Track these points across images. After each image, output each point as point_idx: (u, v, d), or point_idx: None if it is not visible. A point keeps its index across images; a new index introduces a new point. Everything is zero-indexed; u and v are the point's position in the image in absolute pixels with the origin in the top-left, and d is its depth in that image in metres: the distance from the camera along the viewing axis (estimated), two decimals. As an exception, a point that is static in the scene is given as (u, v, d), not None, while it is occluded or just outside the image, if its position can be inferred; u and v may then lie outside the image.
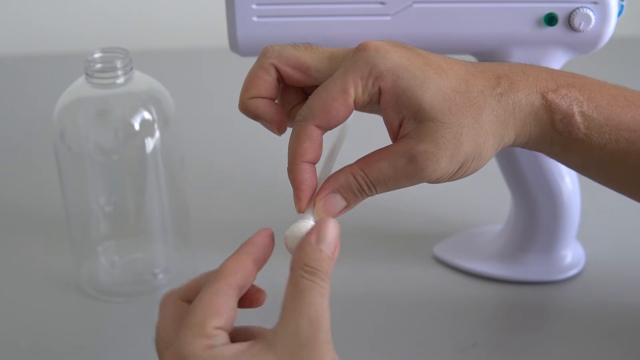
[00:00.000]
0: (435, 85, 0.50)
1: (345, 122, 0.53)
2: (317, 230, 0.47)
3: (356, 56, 0.51)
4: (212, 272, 0.48)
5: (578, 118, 0.52)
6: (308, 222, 0.49)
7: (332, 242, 0.47)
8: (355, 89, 0.49)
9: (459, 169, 0.51)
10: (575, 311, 0.69)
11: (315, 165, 0.52)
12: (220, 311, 0.45)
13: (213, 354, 0.43)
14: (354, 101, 0.50)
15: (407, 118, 0.50)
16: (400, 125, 0.50)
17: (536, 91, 0.52)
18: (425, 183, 0.52)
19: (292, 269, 0.46)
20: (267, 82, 0.53)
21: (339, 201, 0.50)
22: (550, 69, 0.54)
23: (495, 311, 0.71)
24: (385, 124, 0.51)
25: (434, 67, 0.51)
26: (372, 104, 0.51)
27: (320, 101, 0.50)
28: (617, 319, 0.68)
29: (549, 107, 0.52)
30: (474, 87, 0.51)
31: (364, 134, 0.69)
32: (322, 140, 0.51)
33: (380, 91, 0.50)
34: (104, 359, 0.66)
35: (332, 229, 0.47)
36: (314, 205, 0.50)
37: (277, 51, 0.52)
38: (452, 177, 0.51)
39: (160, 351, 0.46)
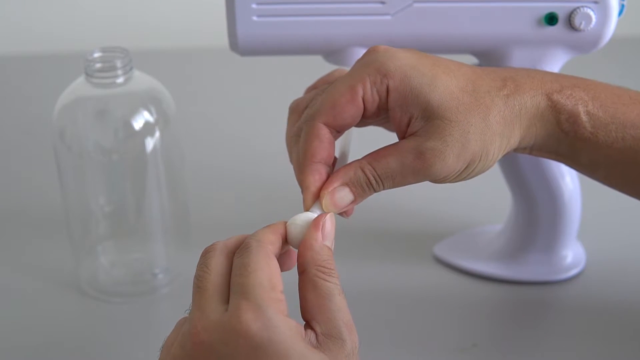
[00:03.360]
0: (443, 84, 0.50)
1: (350, 131, 0.53)
2: (323, 226, 0.48)
3: (366, 57, 0.51)
4: (255, 236, 0.48)
5: (583, 117, 0.52)
6: (309, 213, 0.49)
7: (332, 236, 0.48)
8: (363, 87, 0.50)
9: (465, 168, 0.51)
10: (575, 311, 0.69)
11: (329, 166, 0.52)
12: (277, 275, 0.45)
13: (289, 322, 0.43)
14: (363, 99, 0.50)
15: (415, 116, 0.50)
16: (408, 124, 0.50)
17: (541, 93, 0.52)
18: (428, 183, 0.52)
19: (306, 269, 0.46)
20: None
21: (347, 194, 0.50)
22: (554, 72, 0.55)
23: (495, 311, 0.71)
24: (393, 124, 0.51)
25: (442, 68, 0.51)
26: (381, 106, 0.51)
27: (328, 98, 0.51)
28: (617, 319, 0.68)
29: (554, 108, 0.52)
30: (481, 87, 0.51)
31: (371, 137, 0.69)
32: (332, 140, 0.51)
33: (388, 90, 0.50)
34: (104, 359, 0.66)
35: (333, 223, 0.48)
36: (321, 198, 0.50)
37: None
38: (459, 177, 0.51)
39: (208, 302, 0.45)
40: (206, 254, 0.47)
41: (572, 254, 0.73)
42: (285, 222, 0.49)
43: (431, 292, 0.72)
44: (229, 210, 0.83)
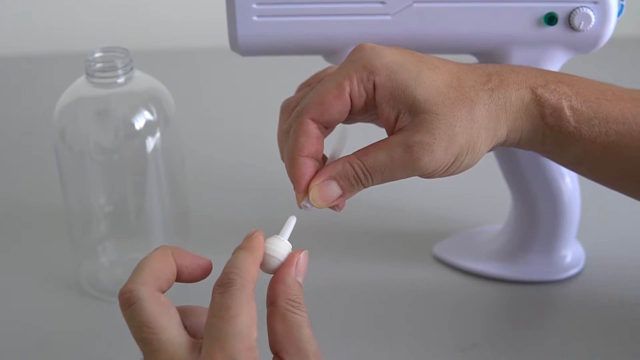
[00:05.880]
0: (428, 79, 0.51)
1: (344, 129, 0.54)
2: (297, 262, 0.48)
3: (352, 55, 0.52)
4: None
5: (567, 111, 0.53)
6: (286, 243, 0.49)
7: (304, 272, 0.48)
8: (350, 83, 0.51)
9: (453, 162, 0.51)
10: (575, 311, 0.69)
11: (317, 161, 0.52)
12: (256, 321, 0.45)
13: None
14: (350, 95, 0.50)
15: (402, 112, 0.51)
16: (396, 120, 0.51)
17: (526, 86, 0.53)
18: (427, 181, 0.53)
19: (276, 301, 0.46)
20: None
21: (334, 189, 0.51)
22: (539, 68, 0.56)
23: (495, 311, 0.71)
24: (382, 120, 0.52)
25: (427, 64, 0.52)
26: (368, 102, 0.51)
27: (315, 95, 0.51)
28: (617, 318, 0.68)
29: (538, 102, 0.53)
30: (465, 82, 0.52)
31: (363, 138, 0.69)
32: (320, 135, 0.52)
33: (374, 86, 0.51)
34: (104, 358, 0.66)
35: (306, 259, 0.48)
36: (309, 191, 0.51)
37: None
38: (447, 171, 0.52)
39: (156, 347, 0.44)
40: (130, 306, 0.45)
41: (572, 254, 0.73)
42: (263, 240, 0.48)
43: (431, 292, 0.72)
44: (229, 210, 0.83)
